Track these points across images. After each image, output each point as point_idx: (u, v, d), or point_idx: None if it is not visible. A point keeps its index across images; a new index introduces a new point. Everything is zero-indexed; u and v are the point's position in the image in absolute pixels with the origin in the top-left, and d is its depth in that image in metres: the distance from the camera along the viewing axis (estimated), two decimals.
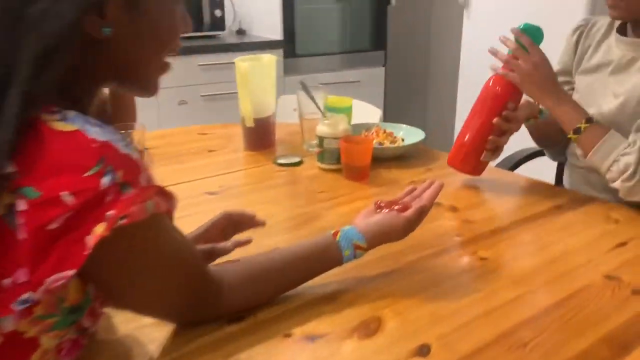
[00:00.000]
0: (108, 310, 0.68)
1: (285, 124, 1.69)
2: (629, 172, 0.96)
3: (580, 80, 1.18)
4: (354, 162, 1.18)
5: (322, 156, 1.24)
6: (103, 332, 0.65)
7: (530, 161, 1.45)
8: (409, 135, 1.38)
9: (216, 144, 1.48)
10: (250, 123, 1.37)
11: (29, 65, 0.46)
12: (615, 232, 0.92)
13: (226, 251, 0.73)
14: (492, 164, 1.36)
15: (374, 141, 1.33)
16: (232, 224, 0.77)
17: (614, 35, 1.12)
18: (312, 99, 1.31)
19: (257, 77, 1.35)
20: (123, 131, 1.27)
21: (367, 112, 1.73)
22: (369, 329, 0.67)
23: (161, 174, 1.22)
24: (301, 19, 2.77)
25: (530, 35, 1.06)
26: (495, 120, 1.07)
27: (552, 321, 0.69)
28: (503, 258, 0.84)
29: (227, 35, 2.79)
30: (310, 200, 1.11)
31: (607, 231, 0.92)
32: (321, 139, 1.23)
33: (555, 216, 0.99)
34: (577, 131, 1.02)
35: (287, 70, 2.75)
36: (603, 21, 1.17)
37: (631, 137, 0.99)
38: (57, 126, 0.46)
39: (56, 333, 0.51)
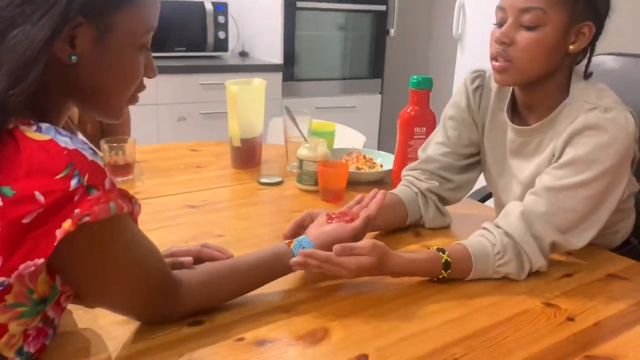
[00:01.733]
0: (80, 308, 0.74)
1: (274, 145, 1.76)
2: (513, 276, 0.90)
3: (486, 145, 1.11)
4: (330, 185, 1.25)
5: (300, 178, 1.31)
6: (70, 326, 0.72)
7: None
8: (387, 161, 1.45)
9: (205, 160, 1.55)
10: (237, 143, 1.44)
11: (3, 78, 0.54)
12: (565, 264, 0.98)
13: (185, 265, 0.77)
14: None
15: (353, 165, 1.40)
16: (202, 259, 0.82)
17: (505, 113, 1.04)
18: (295, 123, 1.38)
19: (246, 100, 1.43)
20: (115, 144, 1.35)
21: (352, 137, 1.80)
22: (315, 337, 0.73)
23: (148, 187, 1.31)
24: (301, 45, 2.88)
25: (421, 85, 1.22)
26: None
27: (486, 340, 0.74)
28: (457, 282, 0.90)
29: (229, 57, 2.89)
30: (284, 218, 1.17)
31: (556, 262, 0.98)
32: (301, 162, 1.30)
33: None
34: (442, 280, 0.88)
35: (286, 93, 2.84)
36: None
37: (498, 246, 0.89)
38: (33, 136, 0.54)
39: (24, 321, 0.58)
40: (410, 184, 1.14)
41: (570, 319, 0.80)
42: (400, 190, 1.13)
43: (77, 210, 0.53)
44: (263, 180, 1.37)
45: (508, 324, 0.78)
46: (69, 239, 0.53)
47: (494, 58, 0.96)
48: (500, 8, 0.95)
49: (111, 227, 0.58)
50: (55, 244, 0.53)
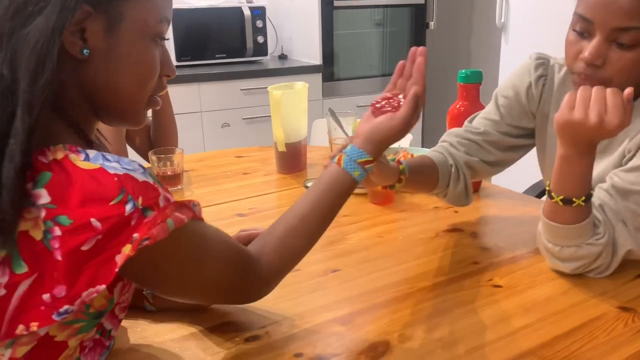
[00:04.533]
0: (138, 324, 0.74)
1: (318, 147, 1.75)
2: (588, 261, 0.85)
3: (548, 140, 1.04)
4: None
5: None
6: (124, 343, 0.72)
7: None
8: None
9: (251, 166, 1.54)
10: (282, 148, 1.43)
11: (24, 76, 0.53)
12: (636, 263, 0.91)
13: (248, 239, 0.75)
14: (520, 189, 1.37)
15: None
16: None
17: None
18: (340, 125, 1.36)
19: (289, 104, 1.42)
20: (163, 155, 1.36)
21: None
22: (377, 351, 0.70)
23: (198, 196, 1.32)
24: (340, 44, 2.85)
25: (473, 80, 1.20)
26: None
27: (559, 350, 0.69)
28: (518, 286, 0.85)
29: (269, 60, 2.90)
30: (334, 223, 1.14)
31: (626, 262, 0.91)
32: None
33: None
34: (567, 202, 0.82)
35: (326, 93, 2.82)
36: (560, 64, 1.02)
37: (601, 227, 0.85)
38: (82, 165, 0.54)
39: (82, 336, 0.58)
40: (447, 154, 1.06)
41: None
42: (435, 156, 1.04)
43: (135, 235, 0.53)
44: (310, 184, 1.35)
45: (581, 332, 0.73)
46: (130, 262, 0.53)
47: (579, 75, 0.87)
48: (582, 17, 0.84)
49: (173, 241, 0.58)
50: (116, 270, 0.53)
